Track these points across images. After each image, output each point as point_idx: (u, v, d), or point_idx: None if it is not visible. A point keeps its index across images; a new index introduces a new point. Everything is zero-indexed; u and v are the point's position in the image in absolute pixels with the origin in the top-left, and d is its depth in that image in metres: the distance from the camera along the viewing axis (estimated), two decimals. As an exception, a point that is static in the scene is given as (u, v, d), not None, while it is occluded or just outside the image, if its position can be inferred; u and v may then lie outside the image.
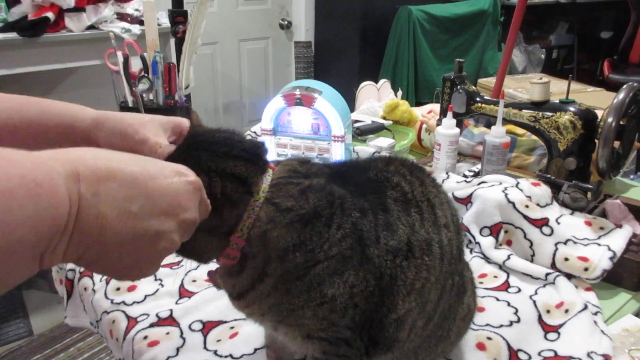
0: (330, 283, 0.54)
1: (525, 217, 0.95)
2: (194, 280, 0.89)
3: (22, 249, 0.34)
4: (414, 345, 0.63)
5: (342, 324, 0.56)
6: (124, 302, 0.83)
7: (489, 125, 1.52)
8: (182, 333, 0.77)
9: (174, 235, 0.44)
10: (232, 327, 0.78)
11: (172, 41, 1.76)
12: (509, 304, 0.84)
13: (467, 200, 1.02)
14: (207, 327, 0.78)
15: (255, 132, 1.37)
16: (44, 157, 0.37)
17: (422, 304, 0.59)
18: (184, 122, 0.63)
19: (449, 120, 1.22)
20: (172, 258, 0.95)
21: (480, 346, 0.75)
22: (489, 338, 0.76)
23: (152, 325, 0.78)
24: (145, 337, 0.75)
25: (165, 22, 1.99)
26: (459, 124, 1.27)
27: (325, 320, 0.55)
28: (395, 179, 0.62)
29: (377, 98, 1.72)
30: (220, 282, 0.61)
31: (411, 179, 0.63)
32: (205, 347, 0.75)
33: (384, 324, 0.57)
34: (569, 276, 0.89)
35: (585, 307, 0.80)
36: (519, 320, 0.80)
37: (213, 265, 0.60)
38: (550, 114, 1.13)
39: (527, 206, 0.96)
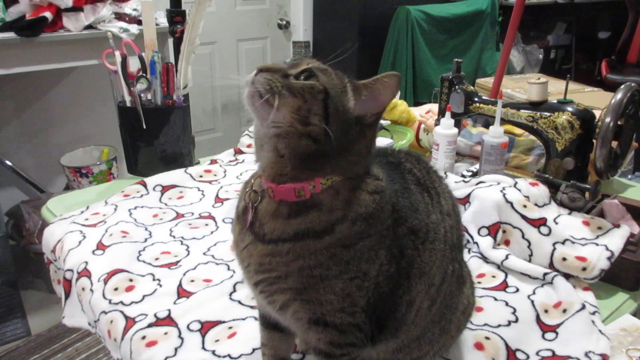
0: (367, 258, 0.55)
1: (524, 217, 0.95)
2: (192, 280, 0.89)
3: None
4: (417, 332, 0.64)
5: (360, 303, 0.56)
6: (122, 302, 0.82)
7: (487, 125, 1.53)
8: (180, 333, 0.77)
9: None
10: (230, 327, 0.78)
11: (170, 41, 1.76)
12: (507, 304, 0.84)
13: (465, 200, 1.02)
14: (206, 327, 0.78)
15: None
16: None
17: (428, 286, 0.61)
18: None
19: (447, 120, 1.22)
20: (170, 258, 0.95)
21: (479, 346, 0.75)
22: (487, 338, 0.76)
23: (150, 325, 0.77)
24: (144, 337, 0.75)
25: (164, 21, 1.99)
26: (457, 124, 1.27)
27: (349, 297, 0.55)
28: (408, 165, 0.65)
29: (375, 98, 1.72)
30: (257, 220, 0.56)
31: (419, 167, 0.66)
32: (203, 347, 0.74)
33: (397, 305, 0.59)
34: (567, 276, 0.89)
35: (583, 307, 0.80)
36: (517, 320, 0.80)
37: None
38: (548, 114, 1.13)
39: (525, 206, 0.96)
